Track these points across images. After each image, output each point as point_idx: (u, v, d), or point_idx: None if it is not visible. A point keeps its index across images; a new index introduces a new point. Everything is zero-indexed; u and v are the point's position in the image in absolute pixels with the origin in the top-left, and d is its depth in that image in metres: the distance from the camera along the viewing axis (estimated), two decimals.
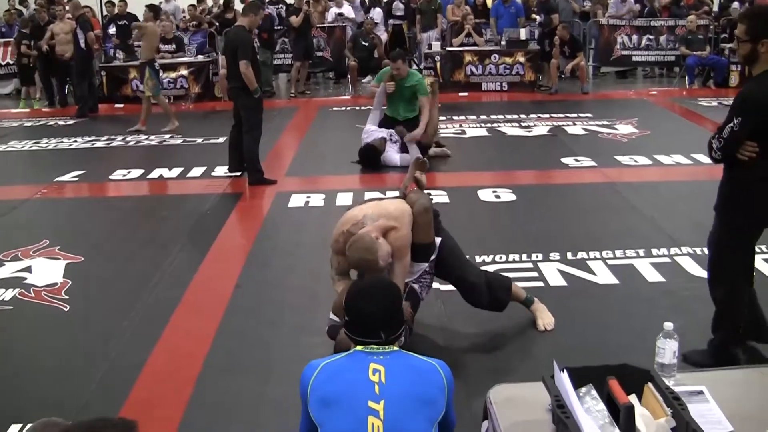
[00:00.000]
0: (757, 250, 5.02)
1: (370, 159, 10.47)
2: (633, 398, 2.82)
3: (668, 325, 3.19)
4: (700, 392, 3.06)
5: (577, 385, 2.83)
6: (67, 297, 6.50)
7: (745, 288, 4.88)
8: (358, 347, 3.08)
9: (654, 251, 6.98)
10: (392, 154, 10.49)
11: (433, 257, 5.35)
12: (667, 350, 3.17)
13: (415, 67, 17.57)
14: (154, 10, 14.59)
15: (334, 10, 18.96)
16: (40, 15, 17.86)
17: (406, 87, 10.63)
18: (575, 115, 13.87)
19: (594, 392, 2.82)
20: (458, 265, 5.51)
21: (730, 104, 4.63)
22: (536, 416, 2.88)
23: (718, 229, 4.82)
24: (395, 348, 3.09)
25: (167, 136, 13.23)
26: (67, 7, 16.51)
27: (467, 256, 5.77)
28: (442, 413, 2.99)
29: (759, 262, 6.19)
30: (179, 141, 12.88)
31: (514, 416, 2.98)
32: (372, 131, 10.68)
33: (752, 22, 4.52)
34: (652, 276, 6.49)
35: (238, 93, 9.76)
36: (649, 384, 2.85)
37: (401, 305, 3.26)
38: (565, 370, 2.81)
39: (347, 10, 19.00)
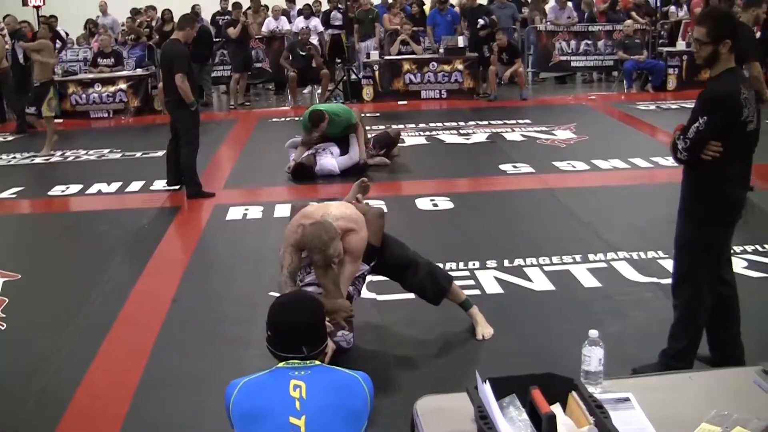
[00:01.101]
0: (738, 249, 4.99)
1: (304, 175, 10.46)
2: (557, 407, 2.85)
3: (593, 333, 3.24)
4: (627, 399, 3.10)
5: (501, 395, 2.86)
6: (4, 315, 6.44)
7: (711, 293, 4.84)
8: (280, 363, 3.09)
9: (591, 257, 7.06)
10: (327, 162, 10.48)
11: (374, 262, 5.43)
12: (593, 358, 3.21)
13: (354, 76, 17.63)
14: (50, 26, 14.38)
15: (269, 21, 18.91)
16: None
17: (333, 130, 10.61)
18: (514, 121, 13.95)
19: (517, 402, 2.86)
20: (403, 250, 5.67)
21: (693, 105, 4.64)
22: (462, 427, 2.90)
23: (686, 232, 4.79)
24: (317, 363, 3.10)
25: (106, 150, 13.10)
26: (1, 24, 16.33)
27: None
28: (365, 426, 3.01)
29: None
30: (118, 155, 12.76)
31: (440, 428, 3.00)
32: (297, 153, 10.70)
33: (713, 24, 4.54)
34: (589, 281, 6.56)
35: (175, 106, 9.72)
36: (573, 393, 2.89)
37: (323, 320, 3.27)
38: (487, 381, 2.84)
39: (283, 22, 18.96)
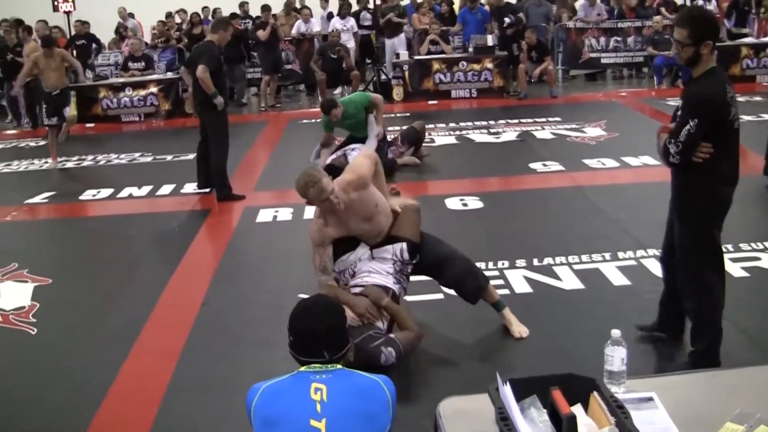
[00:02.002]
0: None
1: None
2: (578, 408, 2.84)
3: (615, 332, 3.21)
4: (650, 399, 3.08)
5: (522, 396, 2.85)
6: (35, 320, 6.49)
7: (722, 289, 4.89)
8: (302, 368, 3.09)
9: (620, 254, 7.00)
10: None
11: (416, 259, 5.47)
12: (616, 357, 3.19)
13: (384, 77, 17.64)
14: (48, 38, 14.25)
15: (299, 24, 18.94)
16: (8, 36, 17.81)
17: (350, 117, 10.61)
18: (544, 119, 13.89)
19: (538, 403, 2.84)
20: (441, 245, 5.69)
21: (679, 108, 4.69)
22: (484, 429, 2.89)
23: (689, 237, 4.82)
24: (339, 366, 3.10)
25: (137, 154, 13.21)
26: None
27: None
28: (387, 430, 3.00)
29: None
30: (149, 159, 12.87)
31: (462, 429, 2.99)
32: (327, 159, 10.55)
33: (694, 26, 4.60)
34: (618, 280, 6.51)
35: (203, 109, 9.77)
36: (594, 393, 2.87)
37: (344, 324, 3.27)
38: (507, 382, 2.83)
39: (312, 24, 18.99)
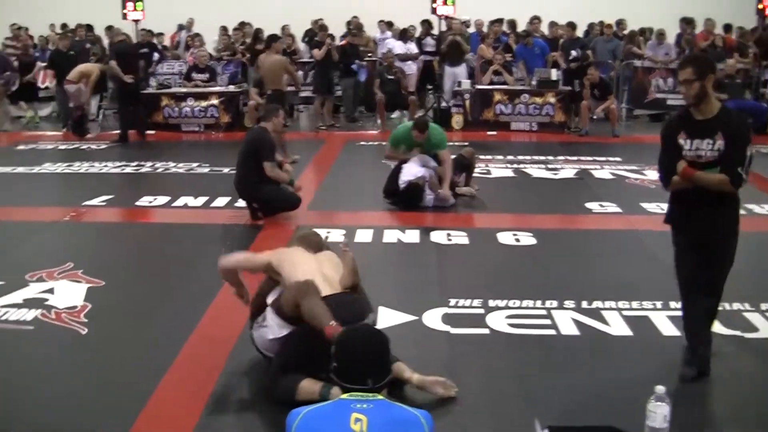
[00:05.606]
0: None
1: (412, 199, 10.33)
2: None
3: (660, 389, 3.17)
4: None
5: None
6: (86, 320, 6.59)
7: None
8: (343, 395, 3.09)
9: (672, 304, 6.77)
10: (426, 194, 10.33)
11: None
12: (659, 414, 3.15)
13: (444, 104, 17.65)
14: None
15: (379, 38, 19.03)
16: (63, 43, 18.19)
17: (429, 146, 10.57)
18: (604, 158, 13.75)
19: None
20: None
21: (726, 137, 5.24)
22: None
23: (733, 250, 5.47)
24: (380, 397, 3.10)
25: (195, 164, 13.36)
26: None
27: (480, 300, 6.15)
28: None
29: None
30: (206, 170, 13.00)
31: None
32: (409, 167, 10.47)
33: (696, 63, 5.31)
34: (668, 329, 6.39)
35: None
36: None
37: (389, 354, 3.28)
38: (547, 430, 2.80)
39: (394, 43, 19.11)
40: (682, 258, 5.59)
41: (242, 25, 20.84)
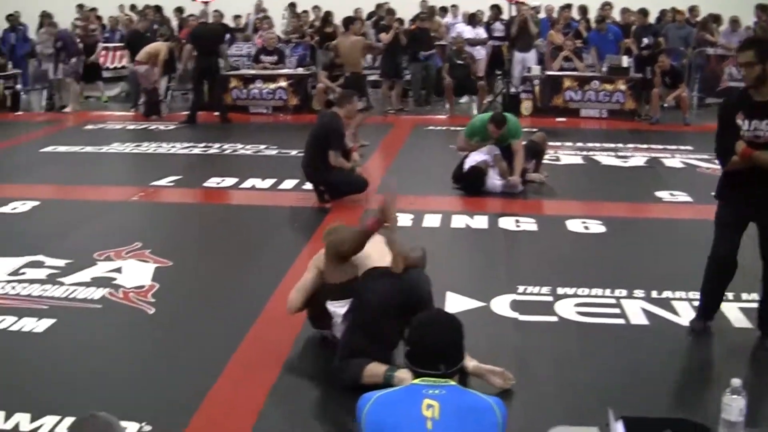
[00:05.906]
0: None
1: (474, 183, 10.35)
2: None
3: (736, 381, 3.10)
4: None
5: None
6: (153, 300, 6.64)
7: None
8: (415, 380, 3.08)
9: (744, 296, 6.66)
10: (494, 180, 10.33)
11: None
12: (734, 407, 3.07)
13: (513, 89, 17.52)
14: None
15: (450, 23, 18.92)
16: (142, 24, 18.40)
17: (502, 139, 10.48)
18: (675, 147, 13.49)
19: None
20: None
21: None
22: None
23: None
24: (452, 383, 3.08)
25: (263, 146, 13.42)
26: None
27: (549, 287, 6.06)
28: None
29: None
30: (274, 152, 13.05)
31: None
32: (475, 153, 10.48)
33: (758, 47, 5.31)
34: (740, 321, 6.26)
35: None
36: None
37: (463, 339, 3.26)
38: (621, 420, 2.76)
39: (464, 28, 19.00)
40: (720, 235, 5.90)
41: (314, 9, 20.92)
